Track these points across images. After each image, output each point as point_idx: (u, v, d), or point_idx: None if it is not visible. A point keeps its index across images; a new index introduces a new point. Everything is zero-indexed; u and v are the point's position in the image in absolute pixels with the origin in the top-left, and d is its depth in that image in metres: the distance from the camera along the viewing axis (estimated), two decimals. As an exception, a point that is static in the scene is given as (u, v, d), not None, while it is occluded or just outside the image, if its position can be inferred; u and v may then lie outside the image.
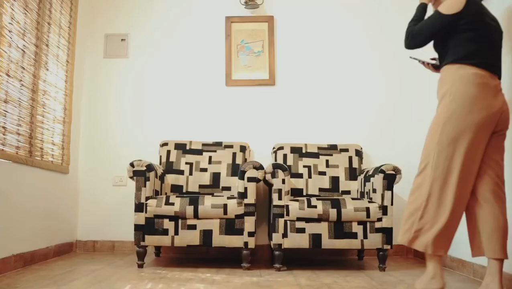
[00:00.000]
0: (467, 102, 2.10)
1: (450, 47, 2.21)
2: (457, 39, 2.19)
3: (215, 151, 3.62)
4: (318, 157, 3.56)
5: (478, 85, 2.10)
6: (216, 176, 3.51)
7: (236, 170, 3.51)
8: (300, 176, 3.50)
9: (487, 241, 2.10)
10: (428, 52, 2.54)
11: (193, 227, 2.99)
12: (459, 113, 2.11)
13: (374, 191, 3.09)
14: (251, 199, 3.01)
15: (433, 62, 2.47)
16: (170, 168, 3.54)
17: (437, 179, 2.11)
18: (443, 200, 2.10)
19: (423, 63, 2.52)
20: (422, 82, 3.72)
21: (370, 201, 3.07)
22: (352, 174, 3.52)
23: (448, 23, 2.19)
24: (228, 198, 3.04)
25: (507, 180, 2.46)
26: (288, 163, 3.52)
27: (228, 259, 3.41)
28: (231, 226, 2.99)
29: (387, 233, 2.98)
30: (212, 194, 3.32)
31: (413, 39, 2.30)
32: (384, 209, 2.99)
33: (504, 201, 2.17)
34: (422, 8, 2.42)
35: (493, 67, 2.17)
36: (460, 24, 2.17)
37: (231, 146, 3.64)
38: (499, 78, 2.22)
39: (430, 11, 2.38)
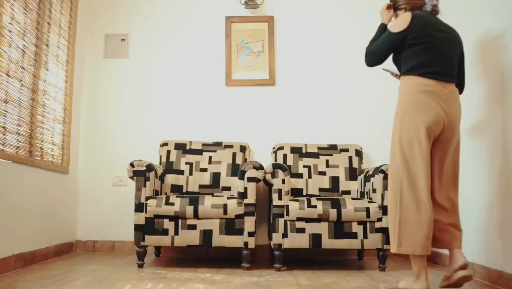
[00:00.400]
0: (413, 109, 2.29)
1: (402, 60, 2.41)
2: (407, 53, 2.37)
3: (215, 151, 3.62)
4: (318, 157, 3.56)
5: (423, 93, 2.29)
6: (216, 176, 3.51)
7: (236, 170, 3.51)
8: (300, 176, 3.50)
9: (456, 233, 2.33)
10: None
11: (193, 227, 2.99)
12: (408, 120, 2.29)
13: (374, 191, 3.09)
14: (251, 199, 3.01)
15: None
16: (170, 168, 3.54)
17: (405, 186, 2.25)
18: (416, 203, 2.23)
19: (392, 74, 2.70)
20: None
21: (370, 201, 3.07)
22: (352, 174, 3.52)
23: (397, 40, 2.38)
24: (228, 198, 3.04)
25: (503, 181, 2.47)
26: (288, 163, 3.52)
27: (228, 259, 3.41)
28: (231, 226, 2.99)
29: (387, 233, 2.96)
30: (212, 194, 3.32)
31: (370, 58, 2.50)
32: (384, 209, 2.98)
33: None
34: (382, 28, 2.60)
35: (443, 76, 2.33)
36: (407, 40, 2.35)
37: (231, 146, 3.64)
38: (459, 85, 2.43)
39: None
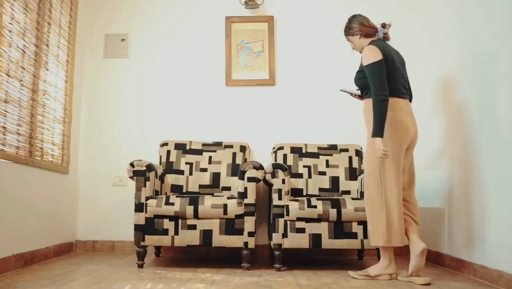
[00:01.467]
0: (395, 126, 2.67)
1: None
2: None
3: (215, 151, 3.62)
4: (318, 157, 3.56)
5: (400, 111, 2.70)
6: (216, 176, 3.51)
7: (236, 170, 3.51)
8: (300, 176, 3.50)
9: (415, 225, 2.74)
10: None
11: (193, 227, 2.99)
12: (390, 136, 2.65)
13: (374, 191, 3.08)
14: (251, 199, 3.01)
15: (359, 92, 2.94)
16: (170, 168, 3.54)
17: (388, 190, 2.65)
18: (398, 204, 2.65)
19: (351, 94, 3.05)
20: (421, 82, 3.72)
21: (370, 201, 3.07)
22: (352, 174, 3.52)
23: (383, 65, 2.67)
24: (228, 198, 3.04)
25: (504, 184, 2.47)
26: (288, 163, 3.52)
27: (228, 259, 3.41)
28: (231, 226, 2.99)
29: (387, 233, 2.97)
30: (212, 194, 3.32)
31: (381, 93, 2.64)
32: (384, 209, 2.99)
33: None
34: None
35: (406, 94, 2.78)
36: None
37: (231, 146, 3.64)
38: (410, 100, 2.86)
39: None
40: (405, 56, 3.00)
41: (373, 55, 2.67)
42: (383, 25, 2.83)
